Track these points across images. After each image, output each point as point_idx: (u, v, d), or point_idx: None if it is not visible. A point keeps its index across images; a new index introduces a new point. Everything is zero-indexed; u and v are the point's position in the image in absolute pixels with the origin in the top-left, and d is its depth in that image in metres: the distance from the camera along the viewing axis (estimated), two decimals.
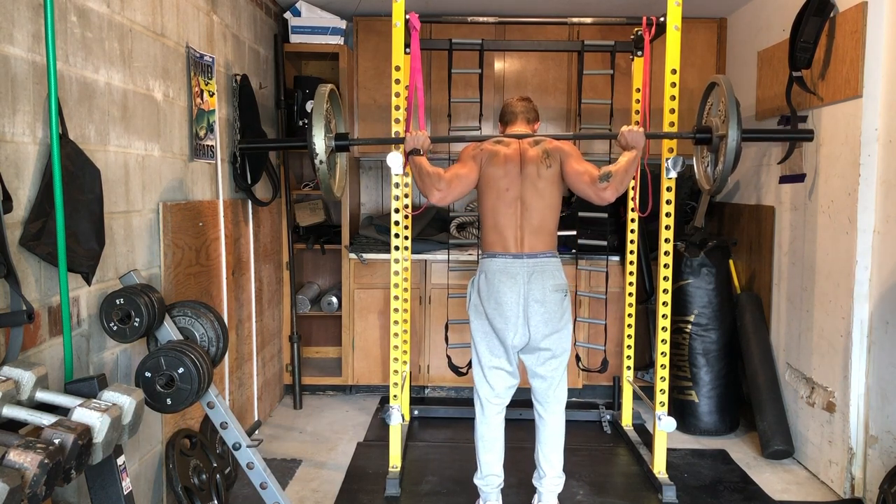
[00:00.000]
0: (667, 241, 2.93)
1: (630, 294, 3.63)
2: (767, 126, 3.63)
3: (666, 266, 2.96)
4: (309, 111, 3.96)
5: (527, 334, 2.61)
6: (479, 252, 2.76)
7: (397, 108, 2.88)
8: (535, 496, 2.81)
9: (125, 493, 1.70)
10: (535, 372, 2.70)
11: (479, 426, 2.73)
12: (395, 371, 3.00)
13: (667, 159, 2.82)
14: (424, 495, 2.96)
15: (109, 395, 1.64)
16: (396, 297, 2.97)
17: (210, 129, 2.91)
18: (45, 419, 1.47)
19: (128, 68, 2.25)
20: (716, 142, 2.67)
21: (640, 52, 3.42)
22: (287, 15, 4.05)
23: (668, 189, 2.91)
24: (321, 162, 2.51)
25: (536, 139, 2.69)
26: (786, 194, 3.45)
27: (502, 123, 2.84)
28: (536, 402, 2.75)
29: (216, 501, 2.57)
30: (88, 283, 1.97)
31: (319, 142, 2.49)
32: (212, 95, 2.91)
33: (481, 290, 2.64)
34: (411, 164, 2.60)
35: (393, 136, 2.87)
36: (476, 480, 2.77)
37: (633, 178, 3.23)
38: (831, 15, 2.99)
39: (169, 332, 2.12)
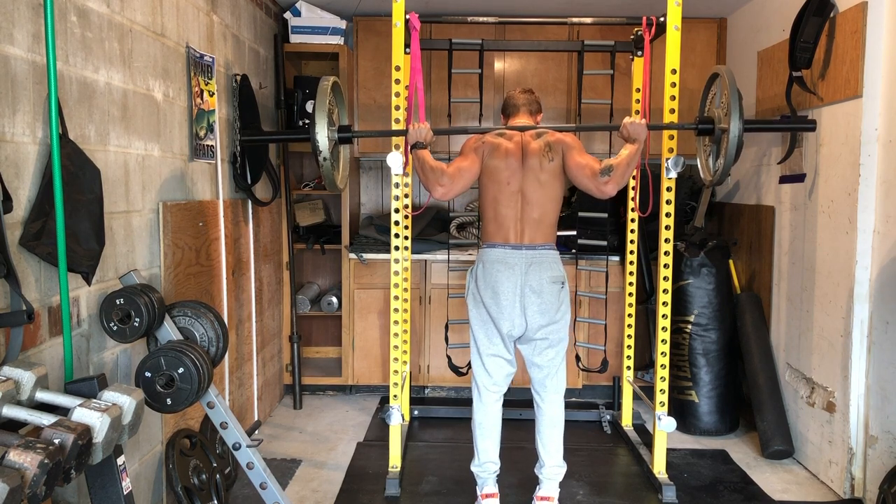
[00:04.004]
0: (667, 241, 2.93)
1: (630, 294, 3.63)
2: None
3: (666, 266, 2.96)
4: (310, 111, 3.96)
5: (523, 324, 2.62)
6: (479, 242, 2.77)
7: (397, 107, 2.88)
8: (538, 487, 2.81)
9: (125, 493, 1.70)
10: (532, 362, 2.71)
11: (477, 414, 2.75)
12: (395, 371, 3.00)
13: (667, 159, 2.82)
14: (424, 495, 2.96)
15: (109, 395, 1.64)
16: (396, 297, 2.97)
17: (210, 129, 2.91)
18: (45, 419, 1.47)
19: (128, 68, 2.25)
20: (718, 133, 2.67)
21: (640, 52, 3.42)
22: (287, 15, 4.05)
23: (668, 189, 2.91)
24: (325, 158, 2.51)
25: (539, 131, 2.69)
26: (786, 194, 3.45)
27: (504, 116, 2.84)
28: (535, 391, 2.76)
29: (216, 501, 2.57)
30: (88, 283, 1.97)
31: (323, 138, 2.49)
32: (212, 95, 2.91)
33: (479, 279, 2.65)
34: (414, 159, 2.59)
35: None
36: (473, 467, 2.79)
37: (634, 178, 3.23)
38: (831, 15, 2.99)
39: (169, 332, 2.12)
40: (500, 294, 2.59)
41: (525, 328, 2.63)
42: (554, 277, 2.62)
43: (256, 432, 3.52)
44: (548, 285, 2.60)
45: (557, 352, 2.69)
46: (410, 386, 3.94)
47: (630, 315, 3.62)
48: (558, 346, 2.69)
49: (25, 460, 1.29)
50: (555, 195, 2.66)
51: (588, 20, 3.38)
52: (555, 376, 2.72)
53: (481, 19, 3.36)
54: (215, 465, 2.68)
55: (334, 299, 4.33)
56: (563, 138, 2.66)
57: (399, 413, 2.96)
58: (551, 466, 2.76)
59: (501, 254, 2.62)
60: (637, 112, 3.48)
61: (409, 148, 2.61)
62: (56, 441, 1.39)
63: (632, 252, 3.61)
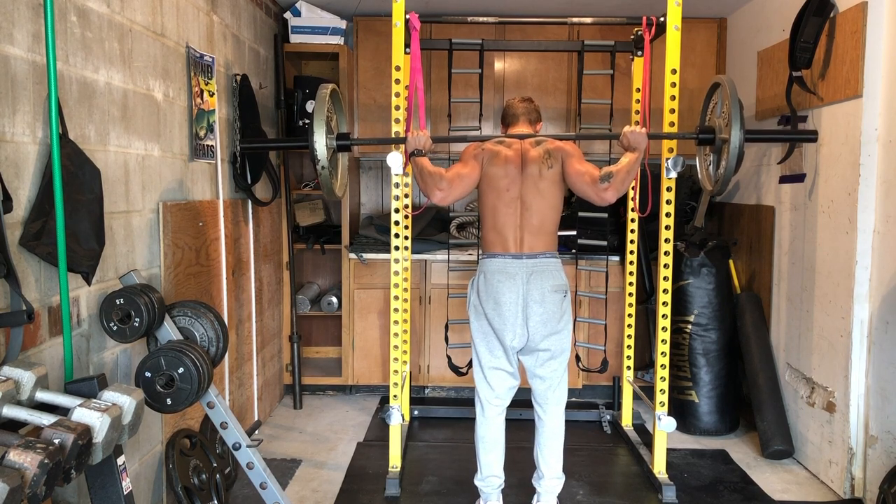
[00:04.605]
0: (667, 241, 2.93)
1: (630, 294, 3.63)
2: (767, 126, 3.63)
3: (666, 266, 2.96)
4: (310, 111, 3.96)
5: (525, 335, 2.60)
6: (479, 252, 2.76)
7: (397, 108, 2.88)
8: (535, 497, 2.81)
9: (125, 493, 1.70)
10: (534, 373, 2.70)
11: (480, 427, 2.73)
12: (395, 371, 3.00)
13: (667, 159, 2.82)
14: (424, 495, 2.96)
15: (109, 395, 1.64)
16: (396, 297, 2.97)
17: (210, 129, 2.91)
18: (45, 419, 1.47)
19: (128, 68, 2.25)
20: (718, 143, 2.67)
21: (640, 52, 3.42)
22: (287, 15, 4.05)
23: (668, 189, 2.91)
24: (323, 167, 2.51)
25: (538, 139, 2.69)
26: (786, 194, 3.45)
27: (504, 125, 2.84)
28: (536, 403, 2.75)
29: (216, 501, 2.57)
30: (88, 283, 1.97)
31: (321, 147, 2.49)
32: (212, 95, 2.91)
33: (480, 291, 2.64)
34: (413, 165, 2.59)
35: (393, 136, 2.87)
36: (476, 482, 2.77)
37: (634, 179, 3.22)
38: (831, 15, 2.99)
39: (169, 332, 2.12)
40: (502, 304, 2.57)
41: (527, 339, 2.61)
42: (556, 286, 2.60)
43: (256, 432, 3.52)
44: (550, 294, 2.58)
45: (560, 363, 2.68)
46: (410, 386, 3.94)
47: (630, 315, 3.62)
48: (560, 356, 2.67)
49: (25, 460, 1.29)
50: (554, 202, 2.65)
51: (588, 20, 3.38)
52: (557, 388, 2.71)
53: (481, 19, 3.36)
54: (215, 465, 2.68)
55: (334, 299, 4.33)
56: (562, 146, 2.66)
57: (399, 413, 2.95)
58: (550, 479, 2.75)
59: (502, 264, 2.60)
60: (637, 112, 3.49)
61: (407, 155, 2.61)
62: (56, 441, 1.39)
63: (632, 252, 3.61)
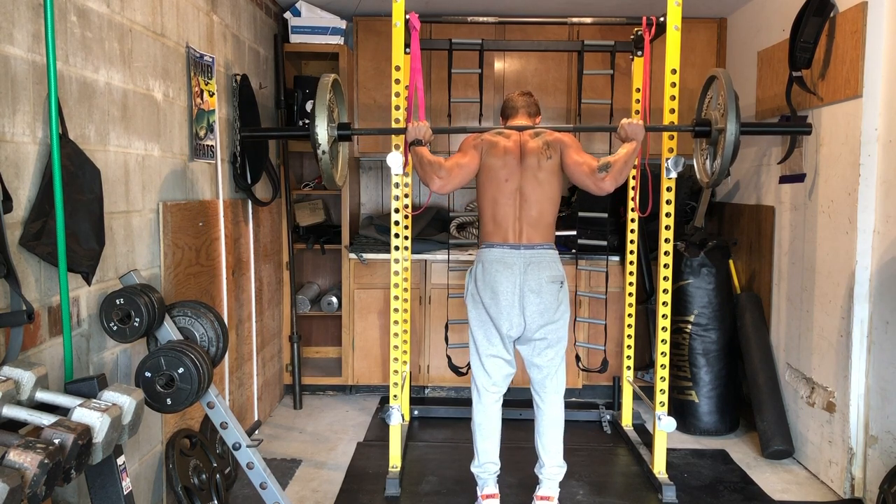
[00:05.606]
0: (667, 241, 2.93)
1: (630, 294, 3.63)
2: None
3: (666, 266, 2.96)
4: (309, 111, 3.96)
5: (522, 324, 2.62)
6: (478, 243, 2.78)
7: (397, 107, 2.88)
8: (538, 487, 2.81)
9: (125, 493, 1.70)
10: (531, 362, 2.72)
11: (477, 415, 2.75)
12: (395, 371, 3.00)
13: (667, 159, 2.82)
14: (424, 495, 2.96)
15: (109, 395, 1.64)
16: (396, 297, 2.97)
17: (210, 129, 2.91)
18: (45, 419, 1.47)
19: (128, 68, 2.25)
20: (714, 134, 2.68)
21: (640, 52, 3.42)
22: (287, 15, 4.05)
23: (668, 189, 2.91)
24: (323, 152, 2.53)
25: (537, 131, 2.71)
26: (786, 194, 3.45)
27: (503, 118, 2.86)
28: (534, 392, 2.77)
29: (216, 501, 2.57)
30: (88, 283, 1.97)
31: (322, 131, 2.51)
32: (212, 95, 2.91)
33: (478, 279, 2.66)
34: (412, 155, 2.61)
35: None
36: (473, 468, 2.79)
37: (634, 178, 3.24)
38: (831, 15, 2.99)
39: (169, 332, 2.12)
40: (500, 294, 2.60)
41: (524, 328, 2.63)
42: (553, 277, 2.62)
43: (256, 432, 3.52)
44: (546, 285, 2.61)
45: (557, 352, 2.70)
46: (410, 386, 3.94)
47: (630, 315, 3.61)
48: (557, 345, 2.69)
49: (25, 460, 1.29)
50: (553, 194, 2.67)
51: (588, 20, 3.38)
52: (554, 376, 2.72)
53: (481, 19, 3.36)
54: (215, 465, 2.68)
55: (334, 299, 4.33)
56: (560, 137, 2.68)
57: (399, 413, 2.96)
58: (551, 467, 2.76)
59: (500, 254, 2.62)
60: (637, 112, 3.49)
61: (407, 145, 2.62)
62: (56, 441, 1.39)
63: (632, 252, 3.61)
